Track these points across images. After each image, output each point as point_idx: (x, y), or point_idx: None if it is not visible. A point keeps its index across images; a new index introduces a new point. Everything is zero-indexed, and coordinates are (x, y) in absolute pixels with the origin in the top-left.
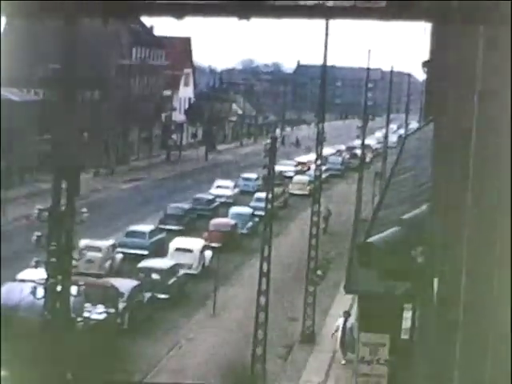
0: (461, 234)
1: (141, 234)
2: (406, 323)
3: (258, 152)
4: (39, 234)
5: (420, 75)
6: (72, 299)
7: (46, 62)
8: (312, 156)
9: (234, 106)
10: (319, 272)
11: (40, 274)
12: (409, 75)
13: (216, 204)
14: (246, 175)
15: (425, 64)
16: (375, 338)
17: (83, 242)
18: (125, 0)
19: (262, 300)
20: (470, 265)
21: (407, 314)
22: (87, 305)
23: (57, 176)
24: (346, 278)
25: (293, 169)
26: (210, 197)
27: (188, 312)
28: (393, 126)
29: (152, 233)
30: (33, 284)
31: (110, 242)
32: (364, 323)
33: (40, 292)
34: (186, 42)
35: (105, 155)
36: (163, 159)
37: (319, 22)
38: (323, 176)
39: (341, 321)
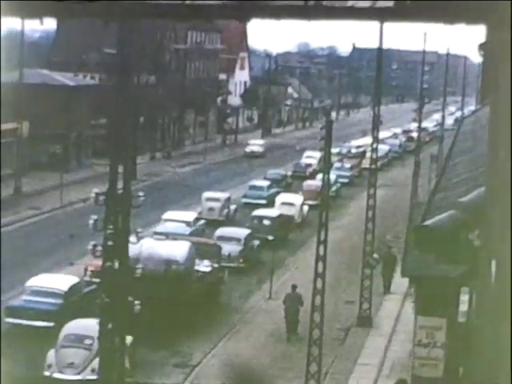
0: None
1: (260, 188)
2: (464, 306)
3: (313, 136)
4: (96, 217)
5: (476, 58)
6: (187, 254)
7: (102, 47)
8: (368, 139)
9: (290, 90)
10: (375, 255)
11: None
12: (465, 58)
13: (311, 169)
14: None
15: (481, 46)
16: (432, 322)
17: (205, 194)
18: (124, 0)
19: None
20: None
21: (464, 297)
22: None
23: (113, 160)
24: (402, 261)
25: (355, 151)
26: (308, 162)
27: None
28: (451, 109)
29: (269, 187)
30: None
31: (227, 194)
32: (421, 306)
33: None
34: (241, 26)
35: (161, 139)
36: (219, 143)
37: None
38: (389, 157)
39: None
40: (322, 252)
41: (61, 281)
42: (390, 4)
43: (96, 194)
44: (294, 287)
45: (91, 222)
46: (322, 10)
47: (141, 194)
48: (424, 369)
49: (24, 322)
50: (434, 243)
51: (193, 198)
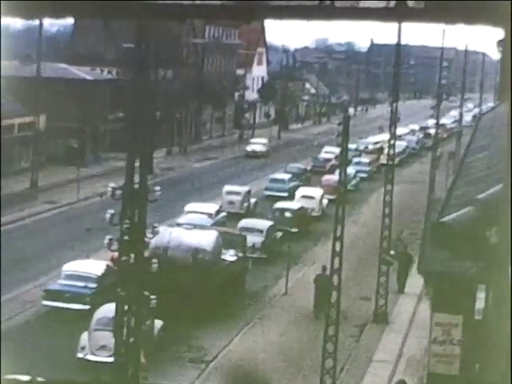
0: None
1: (282, 181)
2: (480, 304)
3: (331, 131)
4: (112, 211)
5: (495, 54)
6: (214, 243)
7: (120, 42)
8: (385, 136)
9: (307, 85)
10: (392, 252)
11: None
12: (483, 54)
13: (331, 163)
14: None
15: (500, 43)
16: (448, 319)
17: (226, 188)
18: (126, 0)
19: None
20: None
21: (481, 295)
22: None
23: (130, 155)
24: (419, 258)
25: (372, 147)
26: (327, 157)
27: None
28: (469, 105)
29: (289, 180)
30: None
31: (247, 188)
32: (437, 303)
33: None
34: (259, 21)
35: (177, 134)
36: (236, 138)
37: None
38: (406, 153)
39: None
40: (338, 248)
41: (95, 266)
42: (391, 4)
43: (112, 188)
44: (324, 268)
45: (108, 216)
46: (322, 10)
47: (157, 188)
48: (440, 365)
49: (61, 304)
50: (451, 240)
51: (209, 193)
